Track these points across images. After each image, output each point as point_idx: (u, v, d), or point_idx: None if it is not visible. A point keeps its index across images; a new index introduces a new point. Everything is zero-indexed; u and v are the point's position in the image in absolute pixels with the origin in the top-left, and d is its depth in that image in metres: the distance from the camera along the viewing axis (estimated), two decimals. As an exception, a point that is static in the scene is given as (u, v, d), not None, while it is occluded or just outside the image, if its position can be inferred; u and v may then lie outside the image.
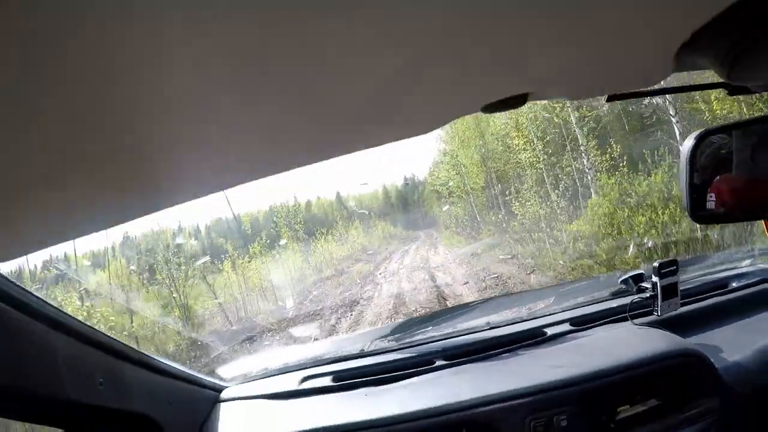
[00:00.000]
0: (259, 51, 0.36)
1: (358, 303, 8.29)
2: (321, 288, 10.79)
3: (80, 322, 0.99)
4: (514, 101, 0.63)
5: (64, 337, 0.92)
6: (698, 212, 0.94)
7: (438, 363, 1.48)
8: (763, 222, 1.51)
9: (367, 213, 18.73)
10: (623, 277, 1.60)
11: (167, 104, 0.39)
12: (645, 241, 5.67)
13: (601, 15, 0.45)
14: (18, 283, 0.84)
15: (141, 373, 1.18)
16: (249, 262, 11.15)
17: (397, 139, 0.68)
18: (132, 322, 7.80)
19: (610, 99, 0.81)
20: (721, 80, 0.83)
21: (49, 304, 0.89)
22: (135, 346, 1.19)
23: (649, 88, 0.72)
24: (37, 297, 0.87)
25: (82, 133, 0.40)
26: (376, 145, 0.66)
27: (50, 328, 0.89)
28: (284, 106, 0.46)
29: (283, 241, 13.40)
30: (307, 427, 1.21)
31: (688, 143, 0.91)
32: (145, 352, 1.22)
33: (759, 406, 1.33)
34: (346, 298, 8.89)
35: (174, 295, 8.76)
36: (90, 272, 10.08)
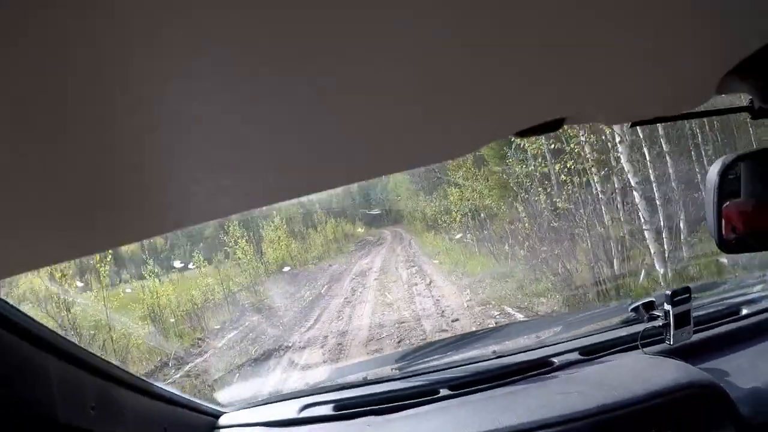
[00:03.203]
0: (270, 55, 0.32)
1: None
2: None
3: (72, 343, 0.96)
4: (550, 126, 0.59)
5: (54, 359, 0.89)
6: (723, 241, 0.91)
7: (443, 392, 1.43)
8: None
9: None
10: (634, 305, 1.56)
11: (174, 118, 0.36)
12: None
13: (645, 38, 0.42)
14: (7, 301, 0.82)
15: (135, 398, 1.13)
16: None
17: (420, 165, 0.63)
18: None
19: (634, 125, 0.80)
20: (743, 105, 0.82)
21: (40, 324, 0.87)
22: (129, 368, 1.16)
23: (670, 114, 0.70)
24: (27, 316, 0.85)
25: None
26: (395, 171, 0.61)
27: (40, 349, 0.86)
28: (297, 123, 0.41)
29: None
30: None
31: (715, 169, 0.89)
32: (141, 377, 1.18)
33: None
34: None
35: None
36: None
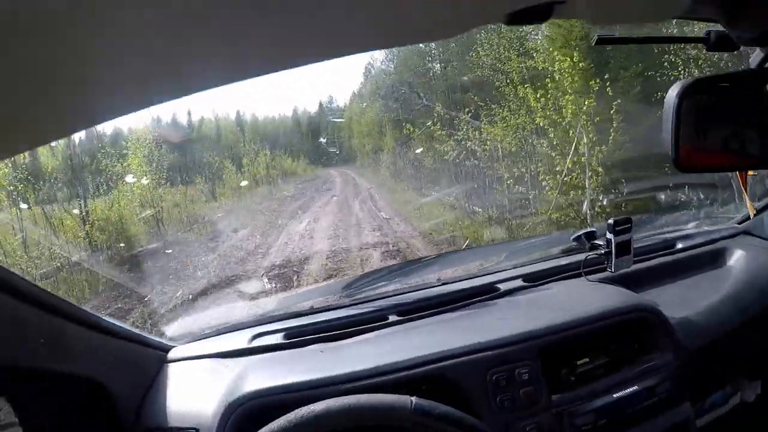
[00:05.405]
0: None
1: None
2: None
3: (18, 276, 0.91)
4: (540, 13, 0.58)
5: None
6: (679, 163, 0.91)
7: (392, 318, 1.44)
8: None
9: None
10: (575, 235, 1.61)
11: None
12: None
13: None
14: None
15: (85, 333, 1.11)
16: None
17: (403, 44, 0.65)
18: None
19: (599, 42, 0.79)
20: (701, 36, 0.83)
21: None
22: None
23: (634, 36, 0.72)
24: None
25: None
26: (377, 48, 0.59)
27: None
28: None
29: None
30: (258, 386, 1.13)
31: (674, 92, 0.86)
32: (89, 311, 1.15)
33: (707, 362, 1.40)
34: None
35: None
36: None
